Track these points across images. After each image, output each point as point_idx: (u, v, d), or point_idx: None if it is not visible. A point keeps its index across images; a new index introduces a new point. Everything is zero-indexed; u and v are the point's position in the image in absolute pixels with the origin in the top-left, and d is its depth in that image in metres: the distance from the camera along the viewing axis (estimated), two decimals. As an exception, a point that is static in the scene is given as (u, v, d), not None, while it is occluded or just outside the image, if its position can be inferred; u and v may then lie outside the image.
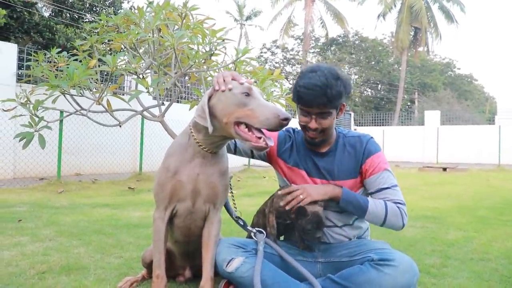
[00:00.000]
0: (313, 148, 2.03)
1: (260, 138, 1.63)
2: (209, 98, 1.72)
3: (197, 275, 2.09)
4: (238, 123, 1.66)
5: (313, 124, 1.89)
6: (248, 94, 1.68)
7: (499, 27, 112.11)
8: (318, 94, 1.81)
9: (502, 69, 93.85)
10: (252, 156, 2.20)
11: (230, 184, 2.02)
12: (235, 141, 2.15)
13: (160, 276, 1.84)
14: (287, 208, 1.87)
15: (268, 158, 2.17)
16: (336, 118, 1.94)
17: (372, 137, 2.05)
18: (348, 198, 1.89)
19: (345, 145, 2.02)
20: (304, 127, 1.94)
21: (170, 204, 1.84)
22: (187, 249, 2.03)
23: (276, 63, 39.16)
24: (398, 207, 1.90)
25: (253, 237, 1.94)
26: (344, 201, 1.89)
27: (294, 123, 2.00)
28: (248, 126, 1.65)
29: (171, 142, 1.93)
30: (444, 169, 14.63)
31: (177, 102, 10.00)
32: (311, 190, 1.88)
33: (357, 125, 27.38)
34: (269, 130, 1.63)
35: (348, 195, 1.89)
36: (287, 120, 1.57)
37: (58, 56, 4.79)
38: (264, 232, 1.96)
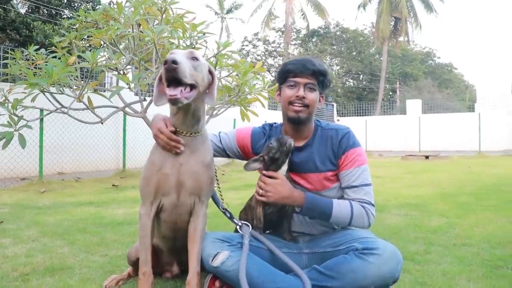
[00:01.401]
0: (294, 131, 2.02)
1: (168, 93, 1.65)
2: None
3: (184, 271, 2.07)
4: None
5: (301, 92, 1.92)
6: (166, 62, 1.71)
7: (478, 15, 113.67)
8: (307, 63, 1.94)
9: (481, 57, 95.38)
10: (228, 156, 2.23)
11: (216, 177, 2.02)
12: (220, 138, 2.19)
13: (146, 273, 1.83)
14: (256, 195, 1.95)
15: (244, 155, 2.19)
16: (318, 106, 1.98)
17: (350, 130, 2.04)
18: (310, 206, 1.88)
19: (323, 138, 2.02)
20: (290, 102, 1.95)
21: (155, 198, 1.83)
22: (174, 244, 2.03)
23: (258, 55, 39.12)
24: (364, 207, 1.90)
25: (239, 230, 1.95)
26: (306, 209, 1.90)
27: (271, 119, 2.03)
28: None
29: (154, 138, 1.92)
30: (427, 157, 14.84)
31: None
32: (277, 192, 1.87)
33: (340, 116, 27.54)
34: (165, 82, 1.66)
35: (311, 203, 1.88)
36: (166, 63, 1.59)
37: (36, 53, 4.70)
38: (250, 226, 1.96)
